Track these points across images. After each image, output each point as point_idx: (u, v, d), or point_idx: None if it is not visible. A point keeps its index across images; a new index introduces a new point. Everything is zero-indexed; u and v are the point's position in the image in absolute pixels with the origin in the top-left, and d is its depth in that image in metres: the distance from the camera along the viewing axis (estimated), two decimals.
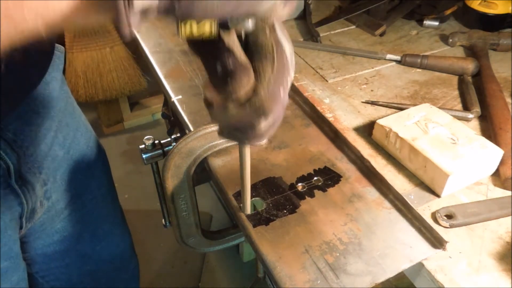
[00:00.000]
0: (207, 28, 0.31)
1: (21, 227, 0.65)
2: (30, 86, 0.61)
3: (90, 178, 0.79)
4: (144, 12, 0.27)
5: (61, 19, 0.27)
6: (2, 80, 0.52)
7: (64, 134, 0.72)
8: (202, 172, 0.67)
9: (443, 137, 0.62)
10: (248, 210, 0.56)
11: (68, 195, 0.74)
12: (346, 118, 0.73)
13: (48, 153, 0.68)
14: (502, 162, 0.61)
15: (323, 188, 0.60)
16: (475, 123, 0.72)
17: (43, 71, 0.63)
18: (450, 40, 0.93)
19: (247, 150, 0.48)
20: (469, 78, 0.81)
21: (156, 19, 0.29)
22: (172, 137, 0.78)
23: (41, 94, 0.64)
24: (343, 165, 0.64)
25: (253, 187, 0.60)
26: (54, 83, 0.68)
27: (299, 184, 0.60)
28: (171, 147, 0.75)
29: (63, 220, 0.75)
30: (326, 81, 0.83)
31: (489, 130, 0.69)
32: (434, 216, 0.56)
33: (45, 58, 0.64)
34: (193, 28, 0.30)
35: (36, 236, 0.72)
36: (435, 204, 0.58)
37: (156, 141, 0.75)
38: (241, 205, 0.56)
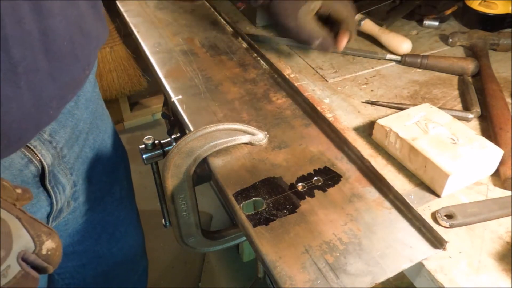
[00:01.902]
0: None
1: None
2: (78, 84, 0.61)
3: (114, 181, 0.81)
4: None
5: None
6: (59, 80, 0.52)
7: (94, 136, 0.72)
8: (202, 172, 0.67)
9: (443, 137, 0.62)
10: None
11: (92, 197, 0.75)
12: (346, 118, 0.73)
13: (80, 154, 0.69)
14: (502, 162, 0.61)
15: (323, 188, 0.60)
16: (475, 123, 0.72)
17: (90, 67, 0.64)
18: (450, 40, 0.93)
19: None
20: (469, 78, 0.81)
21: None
22: (172, 137, 0.78)
23: (76, 95, 0.65)
24: (343, 165, 0.64)
25: (253, 187, 0.60)
26: (87, 84, 0.69)
27: (299, 184, 0.60)
28: (171, 147, 0.75)
29: (85, 221, 0.76)
30: (326, 81, 0.83)
31: (489, 130, 0.69)
32: (434, 216, 0.56)
33: (95, 49, 0.64)
34: None
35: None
36: (435, 204, 0.58)
37: (156, 141, 0.75)
38: None
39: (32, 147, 0.57)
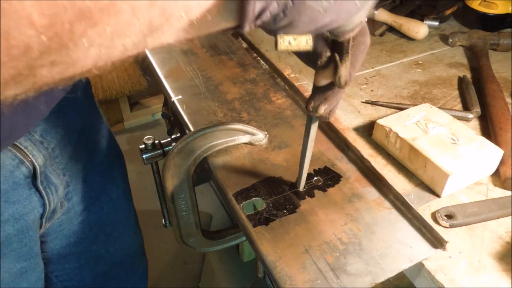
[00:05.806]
0: (303, 42, 0.35)
1: (40, 227, 0.66)
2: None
3: (109, 180, 0.80)
4: (259, 14, 0.29)
5: (200, 16, 0.27)
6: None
7: (87, 136, 0.72)
8: (202, 172, 0.67)
9: (443, 137, 0.62)
10: (302, 186, 0.59)
11: (87, 197, 0.74)
12: (346, 118, 0.73)
13: (73, 155, 0.68)
14: (502, 162, 0.61)
15: (323, 188, 0.60)
16: (475, 123, 0.72)
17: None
18: (450, 40, 0.93)
19: (315, 125, 0.52)
20: (469, 78, 0.81)
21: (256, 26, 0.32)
22: (172, 137, 0.78)
23: (65, 93, 0.64)
24: (343, 165, 0.64)
25: (253, 187, 0.60)
26: (79, 84, 0.68)
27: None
28: (171, 147, 0.75)
29: (81, 222, 0.75)
30: None
31: (489, 130, 0.69)
32: (434, 216, 0.56)
33: None
34: (290, 42, 0.34)
35: (53, 236, 0.72)
36: (435, 204, 0.58)
37: (156, 141, 0.75)
38: (298, 180, 0.59)
39: (23, 147, 0.57)
